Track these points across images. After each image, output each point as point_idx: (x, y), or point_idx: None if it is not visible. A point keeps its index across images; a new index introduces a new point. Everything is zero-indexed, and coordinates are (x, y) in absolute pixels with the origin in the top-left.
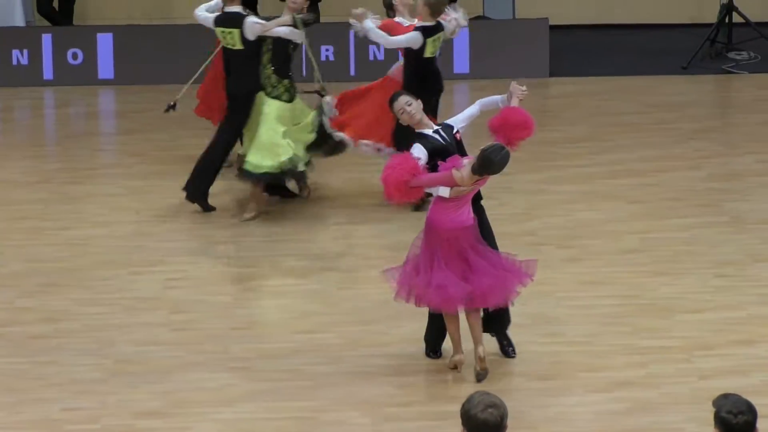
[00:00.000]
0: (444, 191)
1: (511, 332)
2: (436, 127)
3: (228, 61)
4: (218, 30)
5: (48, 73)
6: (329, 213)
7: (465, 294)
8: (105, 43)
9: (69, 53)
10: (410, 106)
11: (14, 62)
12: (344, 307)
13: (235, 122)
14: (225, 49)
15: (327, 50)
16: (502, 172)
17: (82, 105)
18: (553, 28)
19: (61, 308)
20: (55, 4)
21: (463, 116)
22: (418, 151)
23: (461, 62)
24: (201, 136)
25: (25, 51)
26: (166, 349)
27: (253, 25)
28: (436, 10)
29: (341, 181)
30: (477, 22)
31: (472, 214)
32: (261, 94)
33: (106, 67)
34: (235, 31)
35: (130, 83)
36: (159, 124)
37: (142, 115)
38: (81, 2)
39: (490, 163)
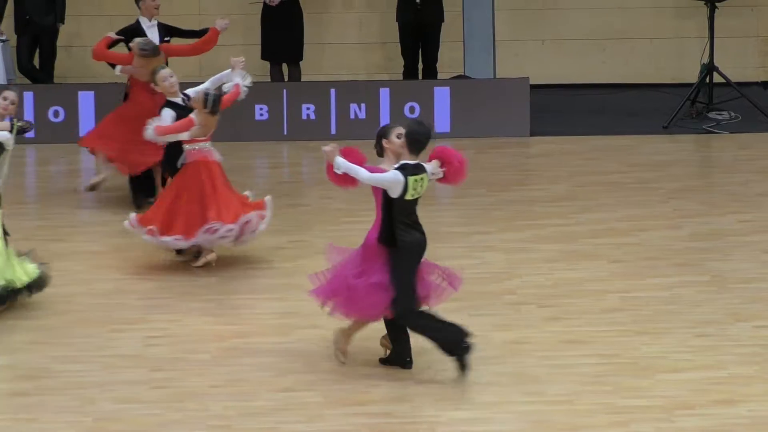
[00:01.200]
0: None
1: (492, 391)
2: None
3: None
4: None
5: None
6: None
7: None
8: (87, 100)
9: (51, 111)
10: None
11: None
12: (325, 365)
13: None
14: None
15: (308, 109)
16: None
17: (64, 162)
18: (533, 87)
19: (42, 365)
20: (36, 62)
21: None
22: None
23: (442, 121)
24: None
25: None
26: (146, 406)
27: None
28: None
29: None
30: (458, 81)
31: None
32: None
33: (88, 125)
34: None
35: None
36: None
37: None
38: (62, 60)
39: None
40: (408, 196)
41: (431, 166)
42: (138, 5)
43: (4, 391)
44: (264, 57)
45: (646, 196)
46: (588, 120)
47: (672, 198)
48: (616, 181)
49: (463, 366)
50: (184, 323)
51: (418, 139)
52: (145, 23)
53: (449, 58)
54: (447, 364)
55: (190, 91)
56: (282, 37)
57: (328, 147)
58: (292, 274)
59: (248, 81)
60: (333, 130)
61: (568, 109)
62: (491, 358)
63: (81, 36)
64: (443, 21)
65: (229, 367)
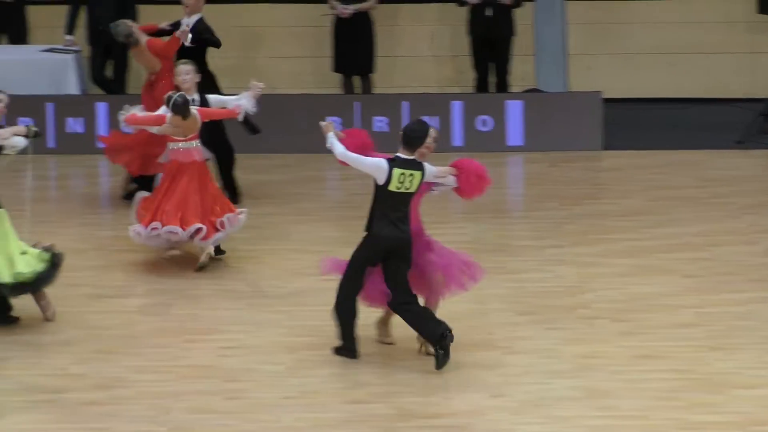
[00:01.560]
0: None
1: (565, 406)
2: None
3: None
4: None
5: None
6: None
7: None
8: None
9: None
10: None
11: (69, 130)
12: (397, 377)
13: None
14: None
15: (380, 121)
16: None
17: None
18: (605, 101)
19: (115, 375)
20: (110, 72)
21: None
22: None
23: (515, 135)
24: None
25: (80, 119)
26: (219, 417)
27: None
28: None
29: None
30: (530, 94)
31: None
32: None
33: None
34: None
35: None
36: None
37: None
38: (136, 70)
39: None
40: (392, 187)
41: (438, 170)
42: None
43: (78, 400)
44: (336, 69)
45: (720, 211)
46: (660, 134)
47: (747, 213)
48: (690, 196)
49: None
50: (257, 334)
51: (410, 135)
52: (184, 21)
53: (521, 72)
54: (522, 378)
55: (212, 98)
56: (354, 50)
57: (324, 122)
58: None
59: (252, 108)
60: None
61: (640, 123)
62: (564, 373)
63: None
64: (514, 34)
65: (302, 379)
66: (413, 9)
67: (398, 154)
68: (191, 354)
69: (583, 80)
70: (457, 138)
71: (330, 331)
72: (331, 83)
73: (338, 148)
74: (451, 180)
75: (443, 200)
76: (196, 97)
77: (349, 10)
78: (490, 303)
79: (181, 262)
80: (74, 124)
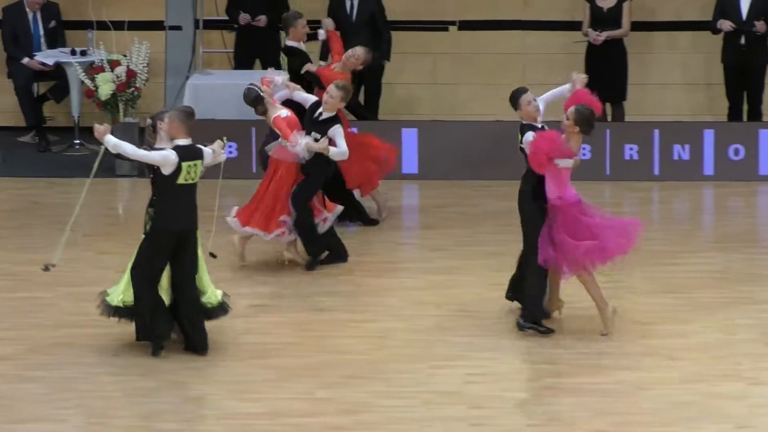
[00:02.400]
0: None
1: None
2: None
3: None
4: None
5: None
6: (630, 313)
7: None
8: (410, 137)
9: None
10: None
11: None
12: (642, 406)
13: None
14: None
15: (631, 149)
16: None
17: (389, 198)
18: None
19: (361, 400)
20: (362, 98)
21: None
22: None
23: (767, 164)
24: (502, 232)
25: None
26: None
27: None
28: None
29: (644, 280)
30: None
31: None
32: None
33: (411, 162)
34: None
35: (433, 178)
36: (459, 220)
37: (443, 210)
38: (387, 97)
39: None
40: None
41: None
42: (287, 30)
43: (323, 424)
44: None
45: None
46: None
47: None
48: None
49: None
50: (502, 361)
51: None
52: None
53: None
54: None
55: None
56: (606, 77)
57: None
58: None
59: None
60: (656, 171)
61: None
62: None
63: (405, 73)
64: None
65: (546, 406)
66: (666, 37)
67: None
68: (436, 380)
69: None
70: (708, 167)
71: (572, 359)
72: None
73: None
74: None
75: (694, 229)
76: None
77: (601, 37)
78: (739, 333)
79: (425, 294)
80: None
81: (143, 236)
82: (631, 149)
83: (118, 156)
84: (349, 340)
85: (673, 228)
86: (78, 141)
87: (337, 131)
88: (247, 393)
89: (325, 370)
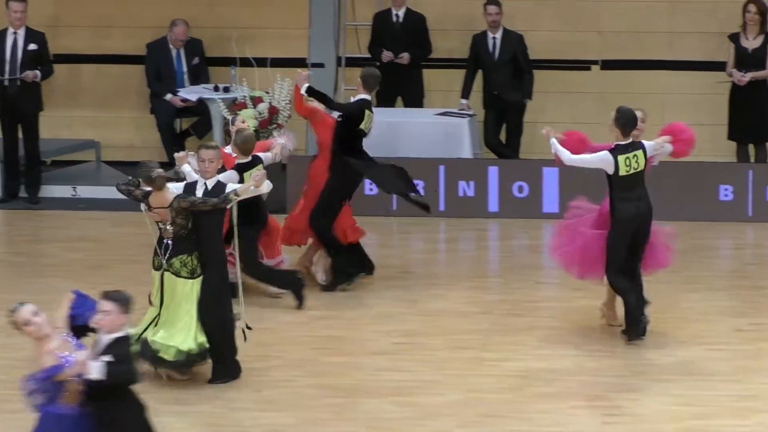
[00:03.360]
0: None
1: None
2: None
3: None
4: None
5: (493, 205)
6: None
7: None
8: (550, 176)
9: (515, 186)
10: None
11: (461, 193)
12: None
13: None
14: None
15: None
16: None
17: (526, 238)
18: None
19: None
20: (503, 137)
21: None
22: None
23: None
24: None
25: (471, 182)
26: None
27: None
28: None
29: None
30: None
31: None
32: None
33: (550, 201)
34: None
35: None
36: None
37: None
38: (528, 136)
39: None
40: (622, 173)
41: (655, 142)
42: (366, 84)
43: None
44: (731, 137)
45: None
46: None
47: None
48: None
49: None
50: (642, 402)
51: (626, 121)
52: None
53: None
54: None
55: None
56: (750, 118)
57: (545, 129)
58: (753, 357)
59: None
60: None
61: None
62: None
63: (547, 112)
64: None
65: None
66: None
67: (617, 143)
68: (575, 420)
69: None
70: None
71: (715, 401)
72: (726, 151)
73: (565, 155)
74: (668, 147)
75: None
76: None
77: (746, 77)
78: None
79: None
80: (465, 188)
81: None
82: None
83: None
84: (488, 378)
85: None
86: None
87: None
88: (385, 431)
89: (463, 408)
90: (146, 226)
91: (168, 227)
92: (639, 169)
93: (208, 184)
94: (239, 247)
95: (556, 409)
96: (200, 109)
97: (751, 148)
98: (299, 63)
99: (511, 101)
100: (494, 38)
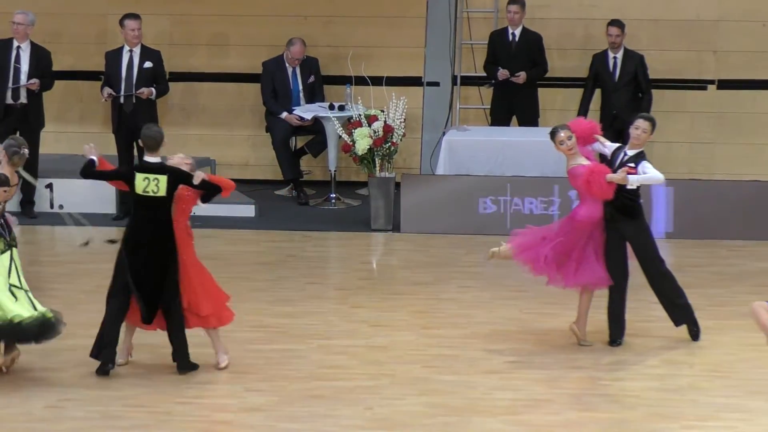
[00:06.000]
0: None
1: None
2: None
3: None
4: None
5: None
6: None
7: None
8: (661, 195)
9: None
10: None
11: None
12: None
13: None
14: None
15: None
16: None
17: None
18: None
19: None
20: None
21: None
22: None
23: None
24: (759, 293)
25: None
26: None
27: None
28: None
29: None
30: None
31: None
32: None
33: (661, 219)
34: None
35: (687, 237)
36: (714, 279)
37: (699, 270)
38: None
39: None
40: None
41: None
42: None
43: None
44: None
45: None
46: None
47: None
48: None
49: None
50: (755, 422)
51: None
52: None
53: None
54: None
55: None
56: None
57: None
58: None
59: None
60: None
61: None
62: None
63: (664, 131)
64: None
65: None
66: None
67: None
68: None
69: None
70: None
71: None
72: None
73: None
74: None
75: None
76: None
77: None
78: None
79: None
80: None
81: None
82: None
83: None
84: (601, 398)
85: None
86: (334, 195)
87: None
88: None
89: (575, 428)
90: (258, 244)
91: (3, 204)
92: None
93: None
94: None
95: (668, 429)
96: (315, 127)
97: None
98: (415, 81)
99: (630, 121)
100: (615, 58)
